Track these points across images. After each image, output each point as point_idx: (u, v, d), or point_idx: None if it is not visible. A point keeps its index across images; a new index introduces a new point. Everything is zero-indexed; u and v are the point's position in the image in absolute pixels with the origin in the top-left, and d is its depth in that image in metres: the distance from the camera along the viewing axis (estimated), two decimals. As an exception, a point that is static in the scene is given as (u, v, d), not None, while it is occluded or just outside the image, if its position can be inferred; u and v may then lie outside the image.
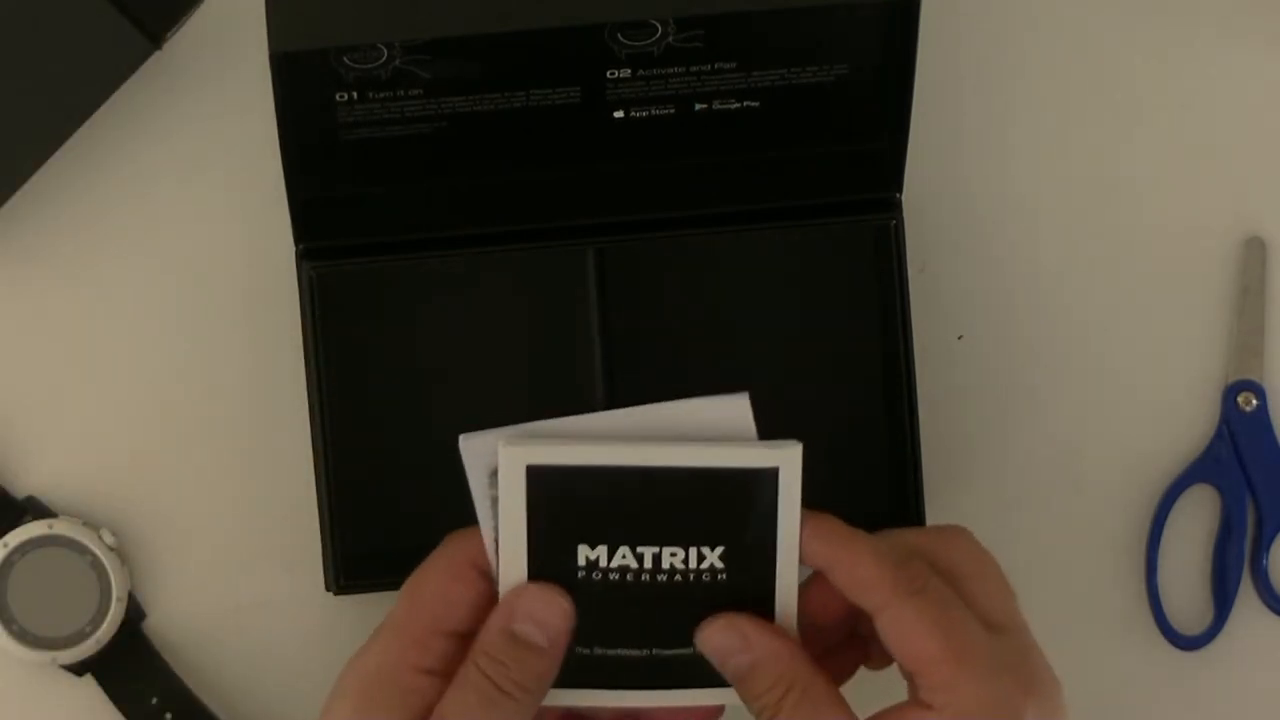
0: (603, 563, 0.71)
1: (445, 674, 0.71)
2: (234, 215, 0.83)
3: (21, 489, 0.83)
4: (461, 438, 0.71)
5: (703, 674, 0.72)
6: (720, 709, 0.75)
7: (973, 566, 0.73)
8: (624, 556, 0.71)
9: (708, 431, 0.72)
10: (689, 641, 0.72)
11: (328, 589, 0.81)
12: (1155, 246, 0.86)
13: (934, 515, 0.82)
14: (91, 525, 0.82)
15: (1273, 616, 0.85)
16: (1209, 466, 0.85)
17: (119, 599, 0.82)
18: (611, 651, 0.72)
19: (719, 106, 0.78)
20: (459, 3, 0.73)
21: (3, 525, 0.82)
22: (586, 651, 0.72)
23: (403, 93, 0.75)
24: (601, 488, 0.71)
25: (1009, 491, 0.85)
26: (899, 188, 0.80)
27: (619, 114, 0.78)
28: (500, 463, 0.71)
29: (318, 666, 0.75)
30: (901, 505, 0.81)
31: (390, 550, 0.77)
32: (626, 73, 0.76)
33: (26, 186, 0.81)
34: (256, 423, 0.83)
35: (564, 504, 0.71)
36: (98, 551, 0.81)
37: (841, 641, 0.76)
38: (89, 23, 0.79)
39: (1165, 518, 0.85)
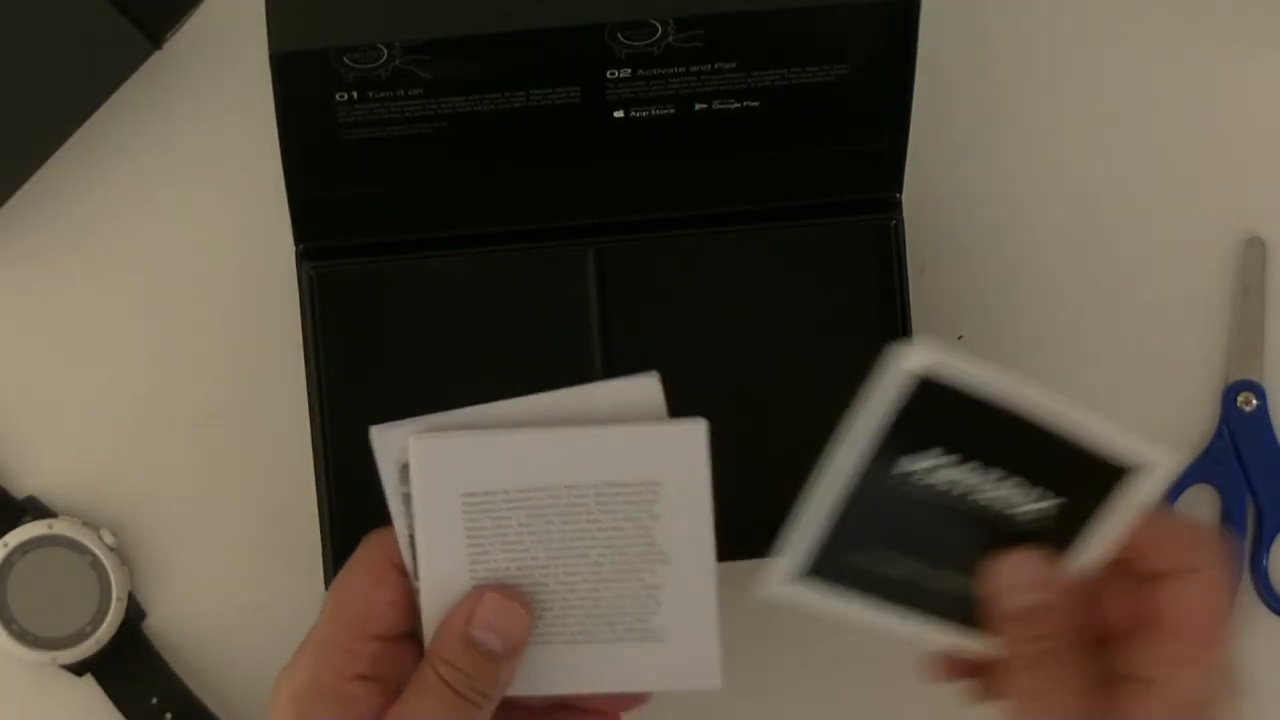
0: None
1: (378, 678, 0.71)
2: (234, 215, 0.83)
3: (21, 489, 0.83)
4: (373, 429, 0.71)
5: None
6: (646, 697, 0.75)
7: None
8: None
9: (620, 413, 0.72)
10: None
11: (328, 589, 0.81)
12: (1155, 246, 0.86)
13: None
14: (91, 525, 0.82)
15: (1273, 616, 0.85)
16: (1209, 466, 0.85)
17: (119, 599, 0.82)
18: None
19: (719, 106, 0.78)
20: (459, 3, 0.73)
21: (3, 525, 0.82)
22: None
23: (403, 93, 0.75)
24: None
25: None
26: (899, 188, 0.80)
27: (619, 114, 0.78)
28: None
29: (318, 666, 0.75)
30: (901, 505, 0.81)
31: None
32: (626, 73, 0.76)
33: (26, 186, 0.81)
34: (256, 423, 0.83)
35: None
36: (98, 551, 0.82)
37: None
38: (89, 23, 0.79)
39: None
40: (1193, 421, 0.85)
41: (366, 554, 0.72)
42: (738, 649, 0.84)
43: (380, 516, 0.80)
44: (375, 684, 0.71)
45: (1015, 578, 0.71)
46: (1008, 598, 0.71)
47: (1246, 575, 0.85)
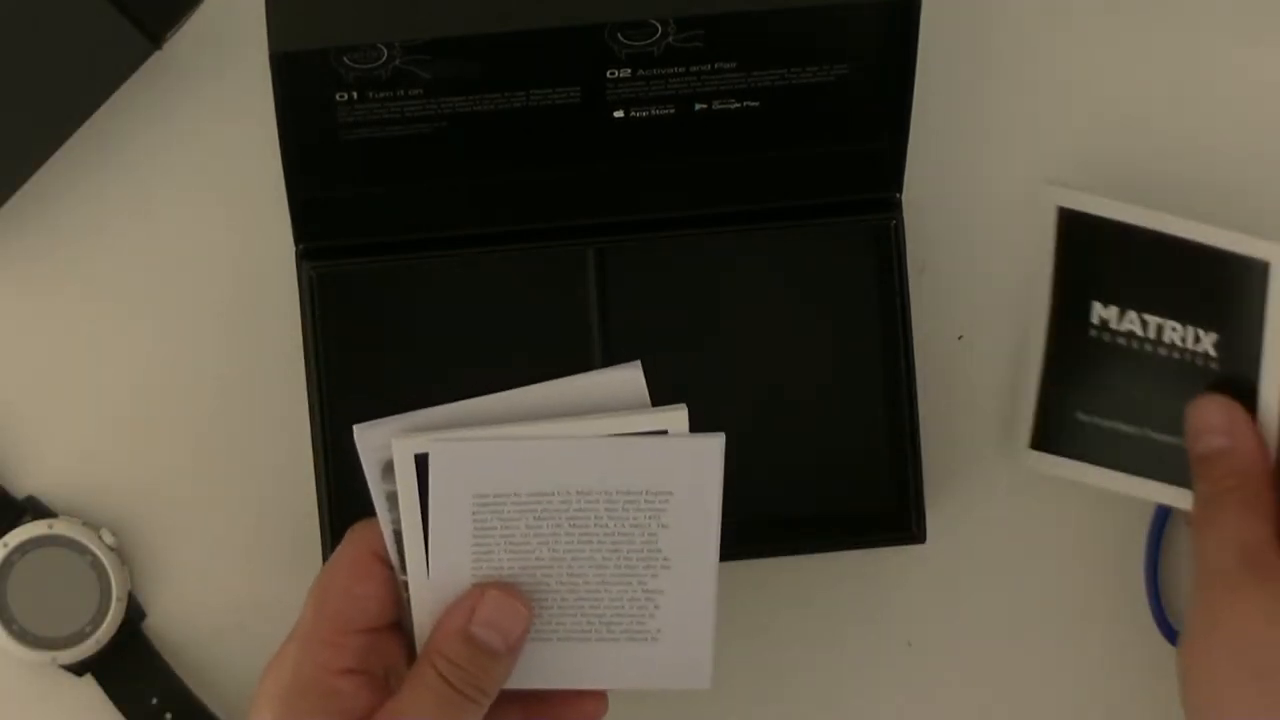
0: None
1: (365, 671, 0.71)
2: (234, 215, 0.83)
3: (21, 489, 0.83)
4: (356, 428, 0.71)
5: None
6: (602, 701, 0.75)
7: None
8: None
9: (604, 404, 0.72)
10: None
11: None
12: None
13: (934, 515, 0.82)
14: (91, 525, 0.82)
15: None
16: None
17: (119, 599, 0.82)
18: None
19: (719, 106, 0.78)
20: (459, 3, 0.73)
21: (3, 525, 0.82)
22: None
23: (403, 93, 0.75)
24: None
25: (1010, 492, 0.85)
26: (899, 188, 0.80)
27: (619, 114, 0.78)
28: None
29: (318, 666, 0.75)
30: (902, 505, 0.81)
31: (390, 550, 0.77)
32: (626, 73, 0.76)
33: (27, 186, 0.81)
34: (256, 423, 0.83)
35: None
36: (98, 551, 0.81)
37: None
38: (89, 23, 0.79)
39: (1169, 513, 0.84)
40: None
41: (350, 547, 0.72)
42: (738, 649, 0.84)
43: (380, 516, 0.80)
44: (362, 677, 0.71)
45: (1203, 422, 0.75)
46: (1194, 441, 0.75)
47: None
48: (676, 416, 0.72)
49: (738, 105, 0.78)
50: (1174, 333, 0.75)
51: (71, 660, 0.82)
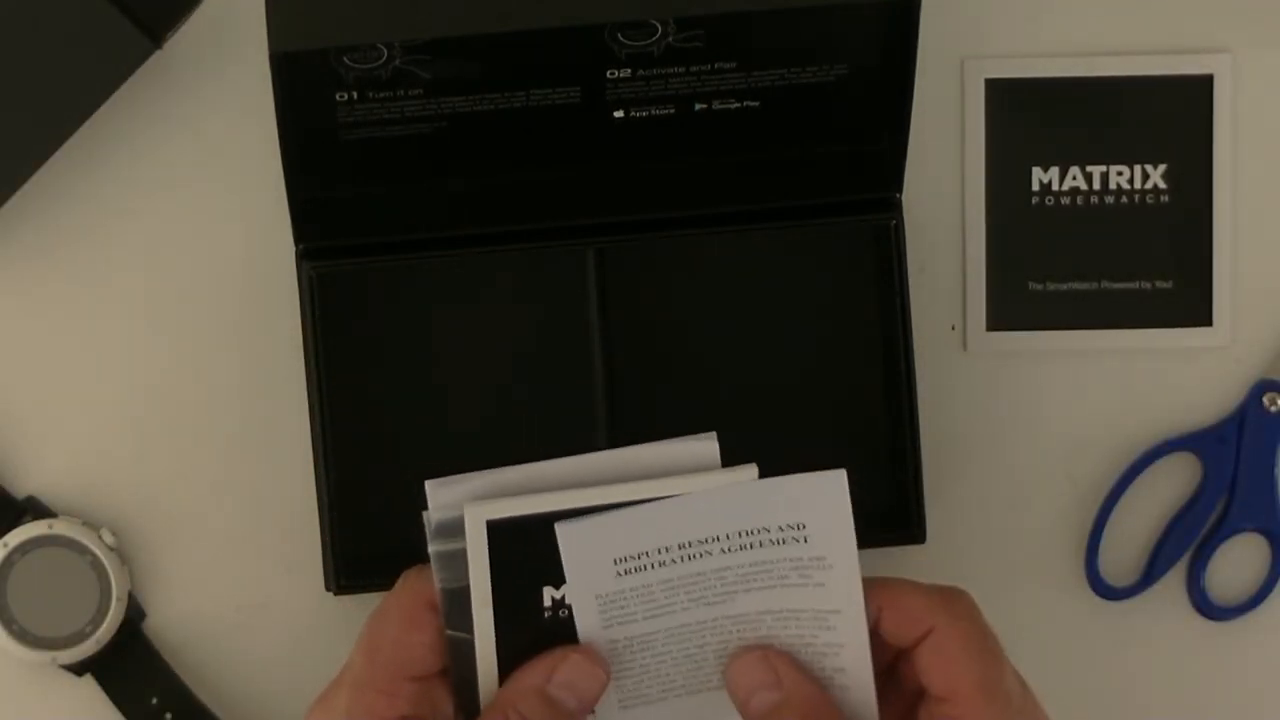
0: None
1: (416, 718, 0.71)
2: (234, 215, 0.83)
3: (21, 489, 0.83)
4: (428, 484, 0.71)
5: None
6: None
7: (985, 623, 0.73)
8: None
9: (675, 470, 0.71)
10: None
11: (328, 589, 0.81)
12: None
13: (934, 514, 0.82)
14: (91, 525, 0.82)
15: (1199, 618, 0.85)
16: (1207, 441, 0.84)
17: (119, 599, 0.82)
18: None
19: (719, 106, 0.78)
20: (459, 3, 0.73)
21: (3, 525, 0.82)
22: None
23: (403, 93, 0.75)
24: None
25: (1010, 491, 0.85)
26: (899, 188, 0.80)
27: (619, 114, 0.78)
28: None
29: (318, 666, 0.75)
30: (902, 504, 0.81)
31: (390, 550, 0.77)
32: (626, 73, 0.76)
33: (27, 186, 0.81)
34: (256, 423, 0.83)
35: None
36: (98, 551, 0.82)
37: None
38: (89, 22, 0.79)
39: (1142, 469, 0.84)
40: (1215, 397, 0.85)
41: (403, 596, 0.72)
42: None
43: (379, 514, 0.80)
44: None
45: (746, 681, 0.72)
46: (748, 699, 0.71)
47: (1187, 559, 0.85)
48: (747, 473, 0.71)
49: (738, 105, 0.78)
50: (1120, 176, 0.73)
51: (71, 660, 0.82)
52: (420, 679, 0.71)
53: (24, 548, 0.81)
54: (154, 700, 0.83)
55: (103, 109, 0.80)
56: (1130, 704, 0.85)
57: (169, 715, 0.83)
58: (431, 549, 0.71)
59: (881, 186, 0.80)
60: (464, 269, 0.81)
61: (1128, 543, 0.85)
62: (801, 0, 0.74)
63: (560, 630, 0.71)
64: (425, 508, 0.71)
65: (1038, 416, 0.85)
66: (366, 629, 0.72)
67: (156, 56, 0.80)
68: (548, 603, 0.71)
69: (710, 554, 0.71)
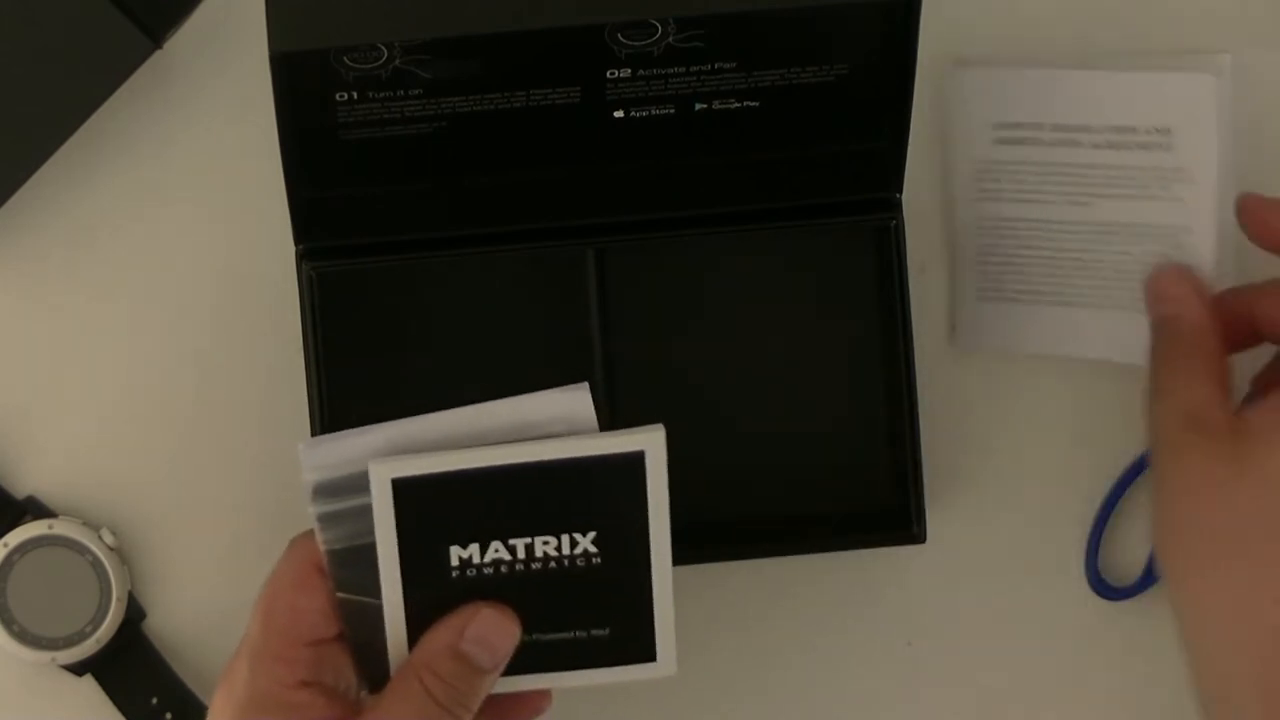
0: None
1: (318, 683, 0.71)
2: (234, 215, 0.83)
3: (21, 489, 0.83)
4: (301, 445, 0.72)
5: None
6: (548, 695, 0.75)
7: None
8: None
9: (554, 424, 0.72)
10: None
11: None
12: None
13: (934, 514, 0.82)
14: (91, 525, 0.82)
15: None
16: None
17: (119, 599, 0.82)
18: None
19: (719, 106, 0.78)
20: (459, 3, 0.73)
21: (3, 525, 0.82)
22: None
23: (403, 93, 0.75)
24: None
25: (1010, 492, 0.85)
26: (899, 188, 0.80)
27: (619, 114, 0.78)
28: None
29: (318, 666, 0.75)
30: (902, 505, 0.81)
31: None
32: (626, 73, 0.76)
33: (27, 186, 0.81)
34: (256, 423, 0.83)
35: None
36: (98, 551, 0.82)
37: None
38: (89, 22, 0.79)
39: (1142, 470, 0.84)
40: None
41: (291, 561, 0.72)
42: (738, 648, 0.84)
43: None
44: (317, 689, 0.71)
45: (1157, 288, 0.76)
46: (1150, 309, 0.76)
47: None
48: (654, 437, 0.72)
49: (738, 105, 0.78)
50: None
51: (71, 660, 0.82)
52: (316, 643, 0.71)
53: (24, 548, 0.81)
54: (154, 700, 0.83)
55: (103, 109, 0.80)
56: (1130, 704, 0.85)
57: (169, 715, 0.83)
58: (312, 510, 0.71)
59: (881, 186, 0.80)
60: (464, 269, 0.81)
61: (1128, 543, 0.85)
62: (801, 0, 0.74)
63: (469, 589, 0.72)
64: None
65: (1038, 416, 0.85)
66: (260, 597, 0.72)
67: (156, 56, 0.80)
68: (455, 562, 0.71)
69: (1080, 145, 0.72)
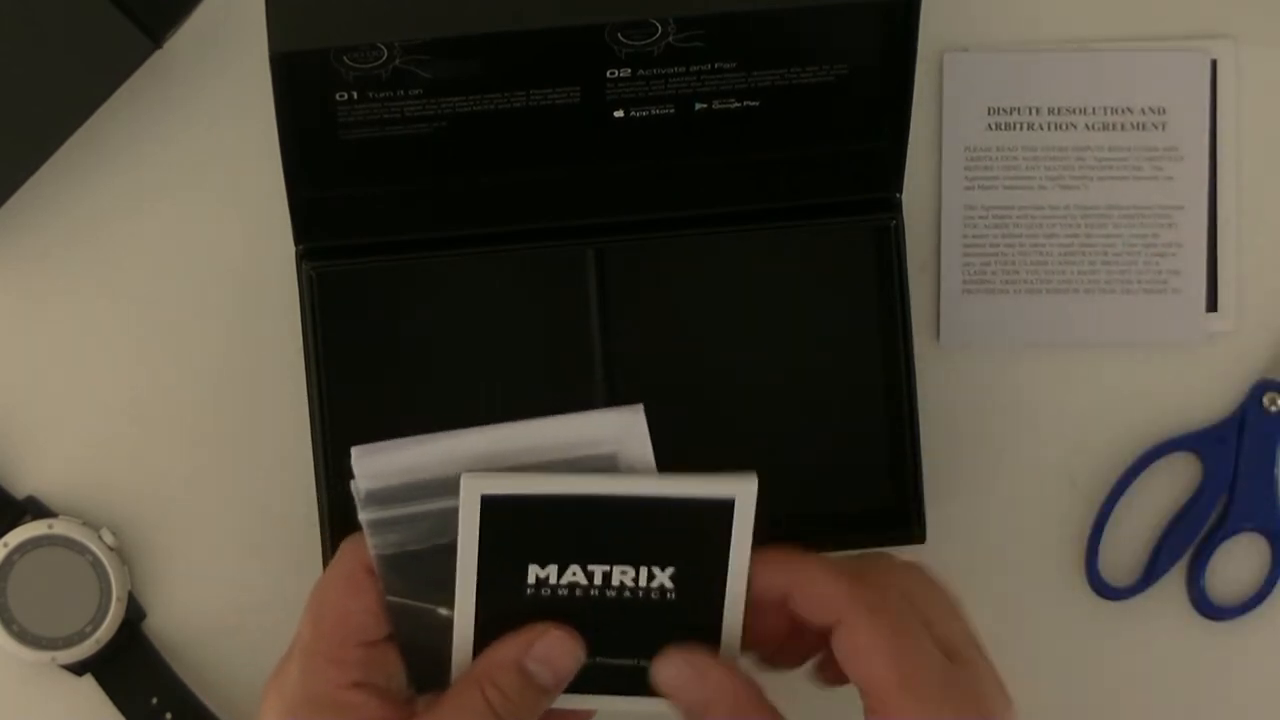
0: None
1: (370, 684, 0.71)
2: (234, 215, 0.83)
3: (21, 489, 0.83)
4: (355, 451, 0.71)
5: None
6: (591, 713, 0.75)
7: (927, 591, 0.73)
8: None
9: (607, 443, 0.72)
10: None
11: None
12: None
13: (934, 514, 0.82)
14: (91, 525, 0.82)
15: (1199, 618, 0.85)
16: (1207, 441, 0.84)
17: (119, 599, 0.82)
18: None
19: (719, 106, 0.78)
20: (459, 3, 0.73)
21: (3, 525, 0.82)
22: None
23: (403, 93, 0.75)
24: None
25: (1010, 492, 0.85)
26: (899, 188, 0.80)
27: (619, 114, 0.78)
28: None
29: (318, 666, 0.75)
30: (902, 504, 0.81)
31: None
32: (626, 73, 0.76)
33: (27, 186, 0.81)
34: (256, 423, 0.83)
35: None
36: (98, 551, 0.82)
37: (786, 639, 0.75)
38: (89, 22, 0.79)
39: (1142, 469, 0.85)
40: (1215, 397, 0.85)
41: (342, 563, 0.73)
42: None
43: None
44: (370, 690, 0.71)
45: (675, 678, 0.72)
46: (678, 697, 0.72)
47: (1188, 559, 0.85)
48: (747, 486, 0.72)
49: (738, 105, 0.78)
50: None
51: (71, 660, 0.82)
52: (367, 644, 0.71)
53: (24, 548, 0.81)
54: (154, 700, 0.83)
55: (103, 109, 0.80)
56: (1130, 704, 0.85)
57: (169, 715, 0.83)
58: (363, 517, 0.71)
59: (881, 186, 0.80)
60: (464, 269, 0.81)
61: (1128, 543, 0.85)
62: (801, 0, 0.74)
63: (541, 607, 0.71)
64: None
65: (1038, 416, 0.85)
66: (311, 599, 0.72)
67: (156, 56, 0.80)
68: (531, 580, 0.71)
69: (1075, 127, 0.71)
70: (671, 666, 0.72)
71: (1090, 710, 0.86)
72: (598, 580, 0.72)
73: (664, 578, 0.72)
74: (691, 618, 0.72)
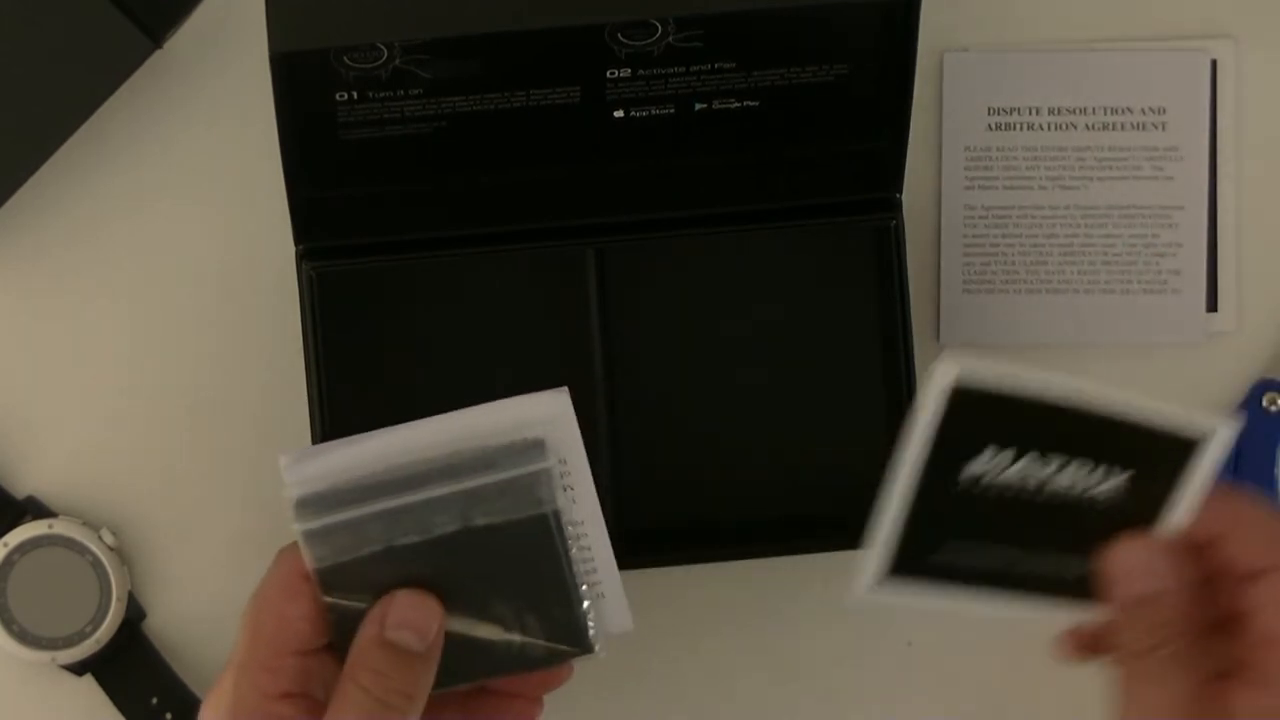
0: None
1: (304, 694, 0.70)
2: (234, 215, 0.83)
3: (21, 489, 0.83)
4: (282, 459, 0.71)
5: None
6: (568, 673, 0.74)
7: None
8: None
9: (536, 426, 0.71)
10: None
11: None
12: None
13: (934, 515, 0.82)
14: (91, 525, 0.82)
15: None
16: None
17: (119, 599, 0.82)
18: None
19: (719, 106, 0.78)
20: (459, 3, 0.73)
21: (3, 525, 0.82)
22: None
23: (403, 93, 0.75)
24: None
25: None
26: (899, 188, 0.80)
27: (619, 114, 0.78)
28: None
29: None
30: (902, 505, 0.81)
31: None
32: (626, 73, 0.76)
33: (27, 186, 0.81)
34: (256, 423, 0.83)
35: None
36: (98, 551, 0.82)
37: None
38: (90, 22, 0.79)
39: None
40: (1215, 397, 0.85)
41: (278, 570, 0.71)
42: (737, 648, 0.84)
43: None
44: (302, 700, 0.70)
45: (1131, 563, 0.69)
46: (1126, 584, 0.69)
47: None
48: (1222, 431, 0.69)
49: (738, 105, 0.78)
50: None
51: (71, 660, 0.82)
52: (304, 654, 0.70)
53: (24, 548, 0.81)
54: (154, 700, 0.83)
55: (103, 109, 0.80)
56: (1130, 704, 0.85)
57: (169, 715, 0.83)
58: (297, 528, 0.70)
59: (881, 186, 0.80)
60: (464, 269, 0.81)
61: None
62: (801, 0, 0.74)
63: (968, 508, 0.69)
64: None
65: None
66: (248, 608, 0.71)
67: (156, 56, 0.80)
68: (969, 474, 0.69)
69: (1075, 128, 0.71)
70: (1138, 548, 0.69)
71: (1090, 710, 0.85)
72: (1050, 470, 0.69)
73: (1119, 479, 0.69)
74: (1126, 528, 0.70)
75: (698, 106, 0.78)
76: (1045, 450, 0.69)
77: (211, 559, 0.83)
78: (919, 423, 0.68)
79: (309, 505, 0.70)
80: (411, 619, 0.70)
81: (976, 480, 0.69)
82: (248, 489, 0.83)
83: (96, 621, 0.81)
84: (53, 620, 0.81)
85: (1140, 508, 0.70)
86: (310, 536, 0.70)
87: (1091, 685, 0.85)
